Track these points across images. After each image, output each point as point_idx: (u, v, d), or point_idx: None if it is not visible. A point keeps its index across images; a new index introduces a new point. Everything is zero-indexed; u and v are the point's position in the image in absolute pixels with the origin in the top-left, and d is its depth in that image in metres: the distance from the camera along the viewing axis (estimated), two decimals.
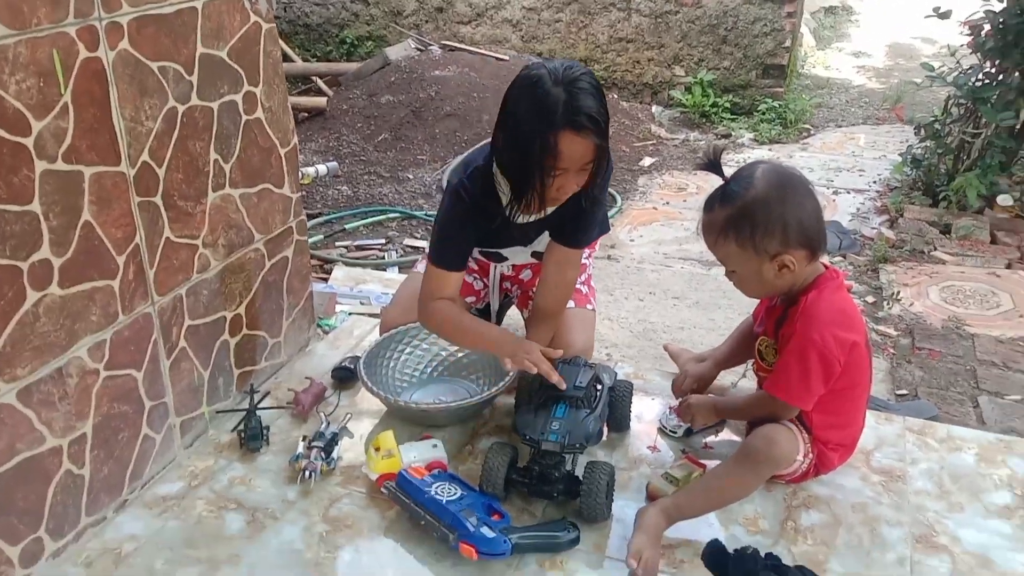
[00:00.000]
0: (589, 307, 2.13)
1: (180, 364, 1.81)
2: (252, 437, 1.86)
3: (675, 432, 1.96)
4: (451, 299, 1.92)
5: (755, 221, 1.54)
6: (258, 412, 1.90)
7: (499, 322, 2.30)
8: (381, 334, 2.11)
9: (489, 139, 1.83)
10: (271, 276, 2.05)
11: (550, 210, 1.87)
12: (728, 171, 1.62)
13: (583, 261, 2.16)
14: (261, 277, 2.02)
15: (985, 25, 3.57)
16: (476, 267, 2.18)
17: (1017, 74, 3.54)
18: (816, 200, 1.60)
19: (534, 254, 2.06)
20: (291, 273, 2.13)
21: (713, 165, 1.61)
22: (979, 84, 3.56)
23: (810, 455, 1.68)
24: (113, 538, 1.62)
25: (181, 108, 1.70)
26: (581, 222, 1.91)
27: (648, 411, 2.02)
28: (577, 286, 2.09)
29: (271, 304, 2.08)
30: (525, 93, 1.65)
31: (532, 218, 1.86)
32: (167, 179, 1.68)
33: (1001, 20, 3.49)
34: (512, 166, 1.72)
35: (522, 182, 1.70)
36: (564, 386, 1.70)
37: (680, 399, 1.93)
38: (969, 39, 3.63)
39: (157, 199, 1.66)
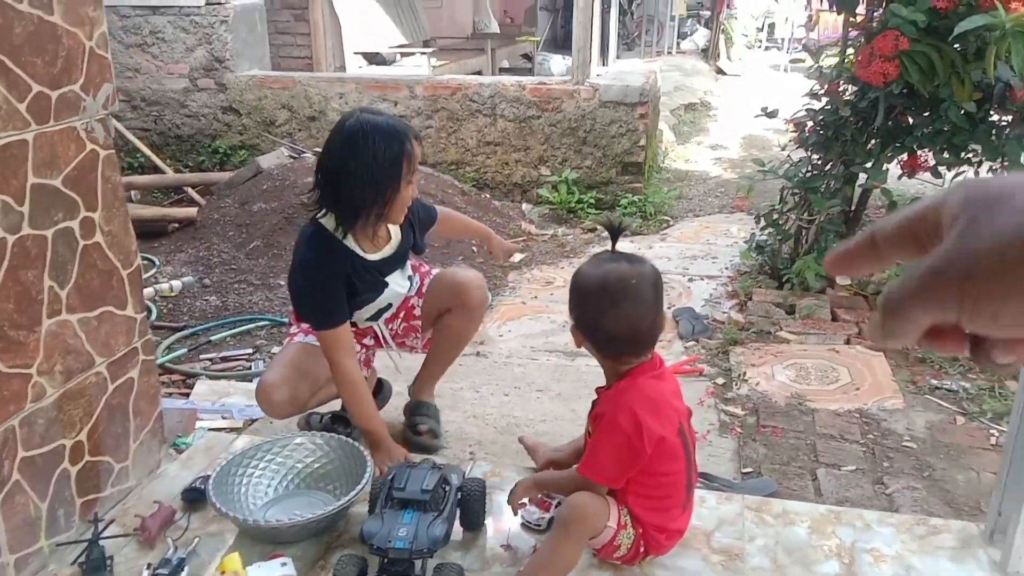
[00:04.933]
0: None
1: (14, 498, 1.75)
2: (94, 569, 1.80)
3: (539, 525, 2.01)
4: (352, 352, 2.23)
5: (582, 303, 1.74)
6: (101, 542, 1.85)
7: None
8: (260, 402, 2.25)
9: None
10: (115, 399, 2.02)
11: (396, 240, 2.29)
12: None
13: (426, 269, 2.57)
14: (104, 401, 1.99)
15: (808, 122, 3.92)
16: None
17: (841, 165, 3.88)
18: (640, 316, 1.69)
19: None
20: (137, 395, 2.10)
21: (613, 232, 1.76)
22: (808, 175, 3.88)
23: (628, 528, 1.74)
24: None
25: (11, 238, 1.70)
26: (418, 217, 2.37)
27: (503, 509, 2.06)
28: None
29: (116, 428, 2.04)
30: (371, 136, 2.06)
31: (385, 254, 2.27)
32: None
33: (821, 117, 3.84)
34: (372, 190, 2.07)
35: (379, 200, 2.08)
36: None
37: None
38: (795, 135, 3.97)
39: None
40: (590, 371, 3.12)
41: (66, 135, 1.84)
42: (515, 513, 1.95)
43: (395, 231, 2.31)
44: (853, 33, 3.91)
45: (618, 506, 1.74)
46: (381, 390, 2.72)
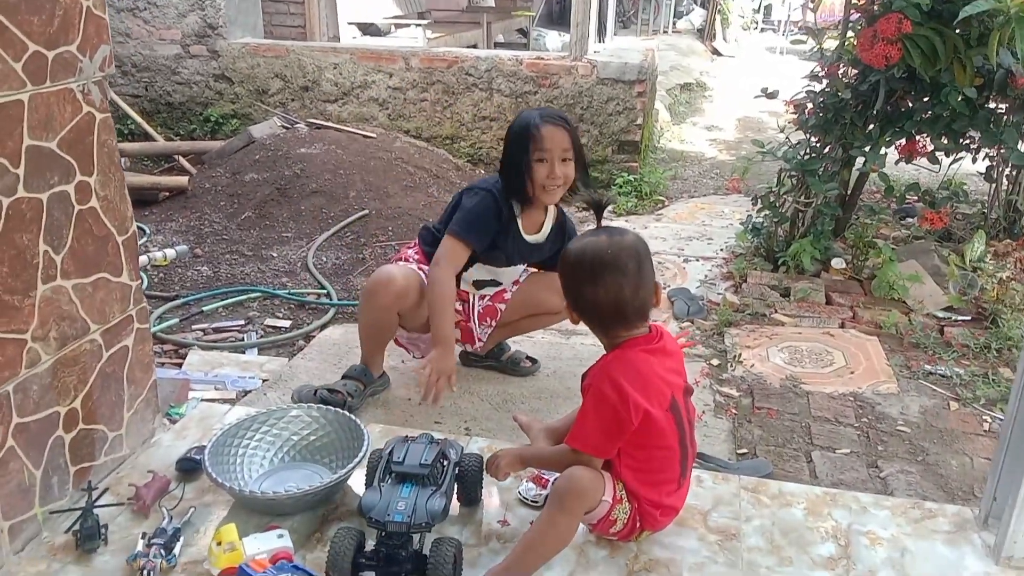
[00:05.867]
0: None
1: (8, 465, 1.73)
2: (88, 537, 1.78)
3: (536, 502, 2.00)
4: (455, 269, 2.46)
5: (567, 279, 1.78)
6: (95, 510, 1.83)
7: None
8: (377, 284, 2.45)
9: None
10: (109, 367, 2.00)
11: (542, 236, 2.59)
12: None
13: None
14: (98, 369, 1.96)
15: (808, 104, 3.90)
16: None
17: (840, 148, 3.87)
18: (620, 287, 1.69)
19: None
20: (132, 363, 2.08)
21: (598, 208, 1.84)
22: (806, 158, 3.87)
23: (624, 502, 1.74)
24: None
25: (6, 201, 1.66)
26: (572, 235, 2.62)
27: (499, 485, 2.05)
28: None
29: (110, 396, 2.01)
30: (512, 125, 2.44)
31: (531, 240, 2.58)
32: None
33: (821, 99, 3.82)
34: (510, 167, 2.43)
35: (517, 176, 2.41)
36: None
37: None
38: (794, 117, 3.94)
39: None
40: (585, 349, 3.11)
41: (62, 97, 1.80)
42: (498, 479, 1.92)
43: (547, 230, 2.61)
44: (855, 15, 3.89)
45: (613, 480, 1.74)
46: (382, 378, 2.76)
